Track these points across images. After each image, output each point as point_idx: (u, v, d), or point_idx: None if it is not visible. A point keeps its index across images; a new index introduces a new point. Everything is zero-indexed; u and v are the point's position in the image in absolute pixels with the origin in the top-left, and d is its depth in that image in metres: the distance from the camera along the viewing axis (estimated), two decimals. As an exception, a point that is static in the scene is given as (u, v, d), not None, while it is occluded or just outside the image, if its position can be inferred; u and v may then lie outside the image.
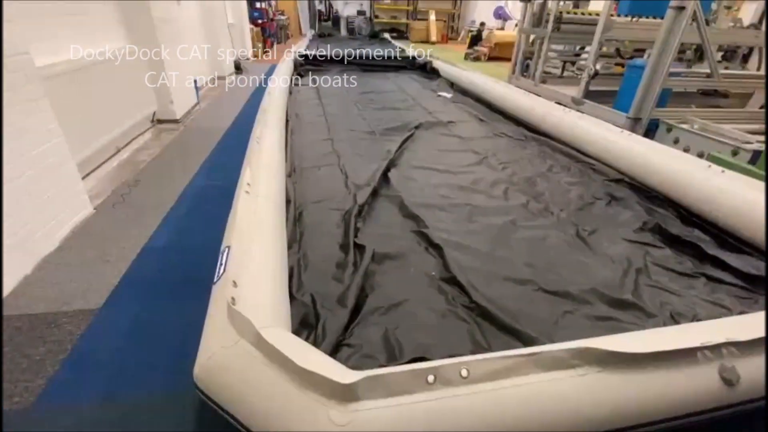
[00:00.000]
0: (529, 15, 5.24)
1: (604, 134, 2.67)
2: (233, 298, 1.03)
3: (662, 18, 3.29)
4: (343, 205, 2.06)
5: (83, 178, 2.56)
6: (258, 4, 10.62)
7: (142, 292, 1.85)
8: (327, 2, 14.51)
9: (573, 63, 6.23)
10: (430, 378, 0.83)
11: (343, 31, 14.12)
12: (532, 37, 5.42)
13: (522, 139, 3.19)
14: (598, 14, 4.53)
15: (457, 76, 5.01)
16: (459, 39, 15.15)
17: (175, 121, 4.43)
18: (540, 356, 0.88)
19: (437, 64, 5.74)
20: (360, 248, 1.68)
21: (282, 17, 12.79)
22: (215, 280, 1.21)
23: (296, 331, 1.23)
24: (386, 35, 11.73)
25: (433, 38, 14.45)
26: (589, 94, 4.09)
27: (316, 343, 1.20)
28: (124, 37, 3.78)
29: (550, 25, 4.57)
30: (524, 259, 1.66)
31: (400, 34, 14.76)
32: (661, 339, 0.97)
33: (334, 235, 1.82)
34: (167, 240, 2.27)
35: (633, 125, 3.41)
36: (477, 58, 10.78)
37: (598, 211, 2.08)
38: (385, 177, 2.39)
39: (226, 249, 1.30)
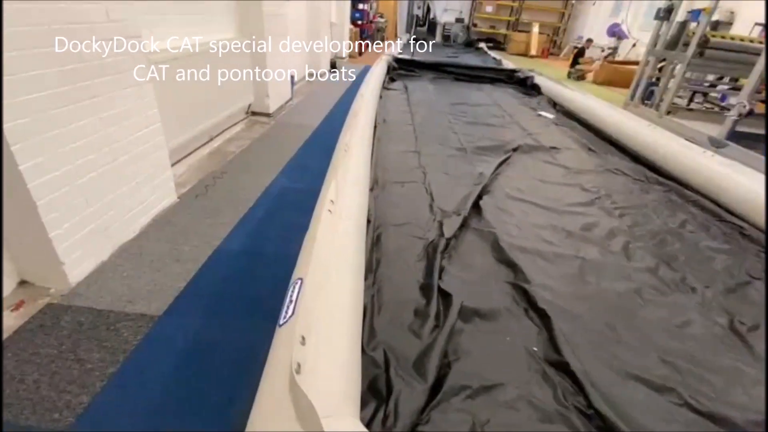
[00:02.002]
0: (664, 35, 4.51)
1: (761, 190, 2.11)
2: (299, 365, 0.82)
3: None
4: (426, 233, 1.82)
5: (174, 164, 2.61)
6: (360, 6, 10.78)
7: (205, 304, 1.75)
8: (425, 7, 14.39)
9: (705, 95, 5.33)
10: None
11: (438, 38, 13.93)
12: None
13: (642, 180, 2.68)
14: (752, 41, 3.77)
15: (561, 96, 4.50)
16: (561, 55, 14.16)
17: (268, 115, 4.51)
18: None
19: (539, 80, 5.26)
20: (444, 295, 1.42)
21: (381, 20, 12.92)
22: (281, 321, 1.02)
23: (364, 400, 1.00)
24: (482, 45, 11.31)
25: (533, 52, 13.68)
26: (731, 136, 3.39)
27: (385, 426, 0.96)
28: (234, 30, 3.90)
29: (691, 49, 3.86)
30: (658, 351, 1.27)
31: (497, 44, 14.17)
32: None
33: (414, 270, 1.58)
34: (241, 245, 2.18)
35: (798, 182, 2.70)
36: (581, 77, 9.91)
37: (758, 297, 1.59)
38: (476, 205, 2.10)
39: (298, 281, 1.12)
